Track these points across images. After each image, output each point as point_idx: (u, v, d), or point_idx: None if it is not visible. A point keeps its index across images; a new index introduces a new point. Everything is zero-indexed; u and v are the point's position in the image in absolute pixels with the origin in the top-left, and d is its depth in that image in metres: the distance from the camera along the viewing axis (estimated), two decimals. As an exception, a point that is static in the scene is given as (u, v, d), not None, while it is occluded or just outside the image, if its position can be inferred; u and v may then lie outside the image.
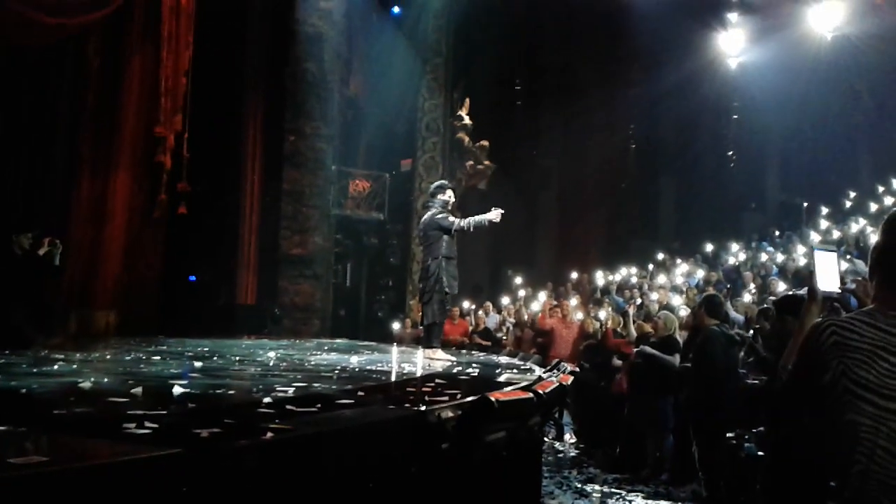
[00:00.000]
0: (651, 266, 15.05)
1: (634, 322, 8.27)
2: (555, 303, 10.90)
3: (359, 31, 15.13)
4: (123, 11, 10.41)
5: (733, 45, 17.41)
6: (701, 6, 17.16)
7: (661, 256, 16.05)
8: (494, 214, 6.73)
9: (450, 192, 7.08)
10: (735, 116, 19.99)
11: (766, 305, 6.17)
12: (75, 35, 10.04)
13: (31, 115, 10.00)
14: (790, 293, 6.09)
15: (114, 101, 10.67)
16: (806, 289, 2.15)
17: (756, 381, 5.16)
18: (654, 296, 10.21)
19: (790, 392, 1.94)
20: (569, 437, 9.44)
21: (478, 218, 6.78)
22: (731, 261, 14.09)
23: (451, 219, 6.79)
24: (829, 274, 2.04)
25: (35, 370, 4.87)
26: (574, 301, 11.61)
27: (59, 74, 10.32)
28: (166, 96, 10.76)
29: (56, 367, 5.06)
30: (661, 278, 12.51)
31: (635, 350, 7.50)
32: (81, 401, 3.44)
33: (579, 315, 10.25)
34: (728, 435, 5.35)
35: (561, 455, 8.45)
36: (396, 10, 15.89)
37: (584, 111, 18.39)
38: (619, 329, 8.70)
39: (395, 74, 15.41)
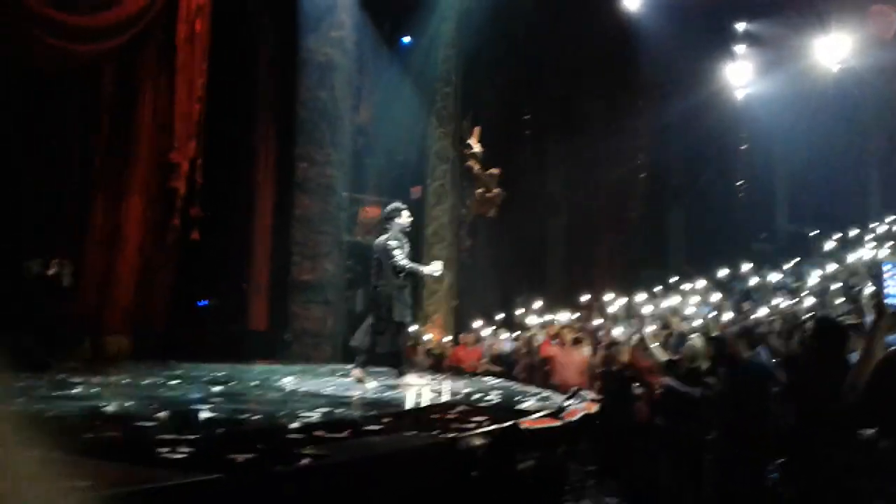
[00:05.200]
0: (661, 292, 14.96)
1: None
2: (555, 331, 10.72)
3: (370, 60, 15.23)
4: (139, 39, 10.48)
5: (741, 76, 17.53)
6: (708, 37, 17.31)
7: (673, 279, 15.98)
8: (435, 268, 7.25)
9: (405, 214, 7.09)
10: (744, 147, 20.04)
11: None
12: (93, 60, 10.11)
13: (46, 139, 10.02)
14: (833, 320, 5.64)
15: (128, 126, 10.68)
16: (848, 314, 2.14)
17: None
18: (675, 323, 10.08)
19: (860, 412, 1.92)
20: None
21: (421, 268, 7.21)
22: (743, 286, 14.04)
23: (403, 262, 6.83)
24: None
25: (55, 393, 4.84)
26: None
27: (74, 99, 10.37)
28: (180, 122, 10.78)
29: (76, 390, 5.02)
30: (675, 302, 12.42)
31: (660, 380, 7.40)
32: (108, 425, 3.41)
33: (586, 349, 10.12)
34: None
35: (577, 484, 8.33)
36: (407, 39, 16.05)
37: (593, 140, 18.44)
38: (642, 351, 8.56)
39: (405, 102, 15.50)
